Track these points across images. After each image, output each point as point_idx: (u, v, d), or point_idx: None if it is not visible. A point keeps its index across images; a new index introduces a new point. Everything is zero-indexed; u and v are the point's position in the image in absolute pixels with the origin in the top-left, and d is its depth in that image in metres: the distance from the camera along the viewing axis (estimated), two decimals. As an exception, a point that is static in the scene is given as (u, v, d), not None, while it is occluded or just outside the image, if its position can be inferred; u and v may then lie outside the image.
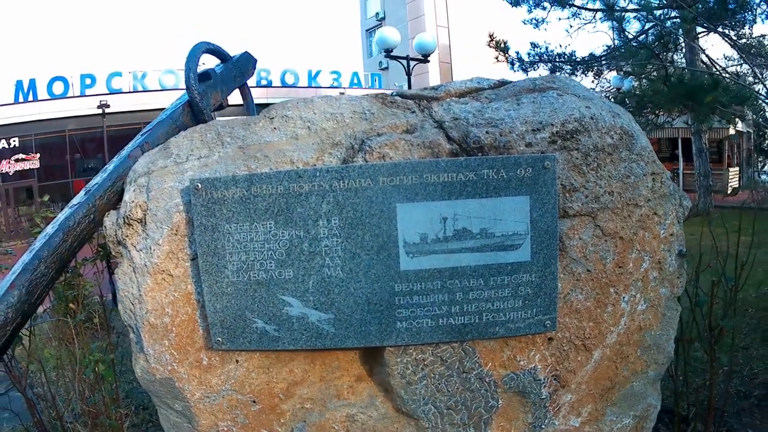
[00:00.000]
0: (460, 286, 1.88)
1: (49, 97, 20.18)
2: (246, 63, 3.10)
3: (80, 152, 21.65)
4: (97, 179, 2.33)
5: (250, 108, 3.13)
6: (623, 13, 10.59)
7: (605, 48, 12.20)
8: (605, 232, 2.02)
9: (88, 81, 21.07)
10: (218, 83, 2.84)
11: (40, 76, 20.26)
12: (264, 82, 24.21)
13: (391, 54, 10.42)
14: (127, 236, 2.08)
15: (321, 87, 26.58)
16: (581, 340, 2.08)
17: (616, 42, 12.12)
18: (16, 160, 18.95)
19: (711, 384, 2.51)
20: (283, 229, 1.82)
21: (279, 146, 1.93)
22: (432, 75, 31.86)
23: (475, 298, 1.88)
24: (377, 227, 1.82)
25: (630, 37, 11.35)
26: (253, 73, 3.14)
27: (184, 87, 2.56)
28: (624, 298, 2.11)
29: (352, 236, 1.82)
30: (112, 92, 21.00)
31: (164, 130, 2.52)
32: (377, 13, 37.22)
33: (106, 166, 2.40)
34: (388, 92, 2.22)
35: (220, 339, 1.94)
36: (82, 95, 20.70)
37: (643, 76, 11.54)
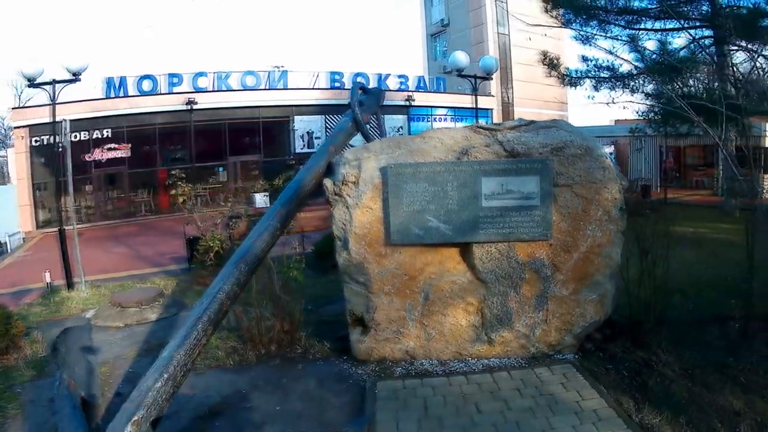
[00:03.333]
0: (508, 215, 5.50)
1: (138, 94, 26.71)
2: (378, 94, 6.95)
3: (166, 144, 28.77)
4: (312, 161, 6.06)
5: (380, 123, 6.94)
6: (643, 48, 15.29)
7: (640, 66, 16.65)
8: (577, 194, 5.63)
9: (175, 80, 27.83)
10: (366, 108, 6.67)
11: (130, 75, 26.98)
12: (337, 85, 30.53)
13: (462, 73, 14.92)
14: (342, 190, 5.72)
15: (389, 90, 31.69)
16: (566, 247, 5.68)
17: (635, 68, 16.67)
18: (108, 149, 24.81)
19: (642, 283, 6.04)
20: (431, 186, 5.47)
21: (427, 150, 5.62)
22: (494, 81, 38.50)
23: (514, 220, 5.50)
24: (472, 187, 5.46)
25: (655, 59, 15.77)
26: (383, 101, 6.94)
27: (349, 106, 6.39)
28: (588, 228, 5.70)
29: (461, 191, 5.46)
30: (198, 90, 27.79)
31: (343, 136, 6.34)
32: (442, 20, 45.70)
33: (316, 153, 6.13)
34: (479, 125, 5.90)
35: (395, 239, 5.56)
36: (170, 92, 27.37)
37: (663, 94, 15.79)
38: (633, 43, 15.92)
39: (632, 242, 6.04)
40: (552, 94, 40.86)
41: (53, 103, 10.45)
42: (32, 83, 10.29)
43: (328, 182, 5.91)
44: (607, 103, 18.32)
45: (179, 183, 9.55)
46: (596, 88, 18.92)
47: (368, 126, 6.97)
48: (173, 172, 9.88)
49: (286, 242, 7.82)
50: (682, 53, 17.16)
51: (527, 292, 5.72)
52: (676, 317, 6.58)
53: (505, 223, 5.53)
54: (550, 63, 19.55)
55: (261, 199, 19.53)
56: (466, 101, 34.78)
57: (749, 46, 14.80)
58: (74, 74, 10.44)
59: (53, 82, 10.46)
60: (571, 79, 19.62)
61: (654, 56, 16.39)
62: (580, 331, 5.79)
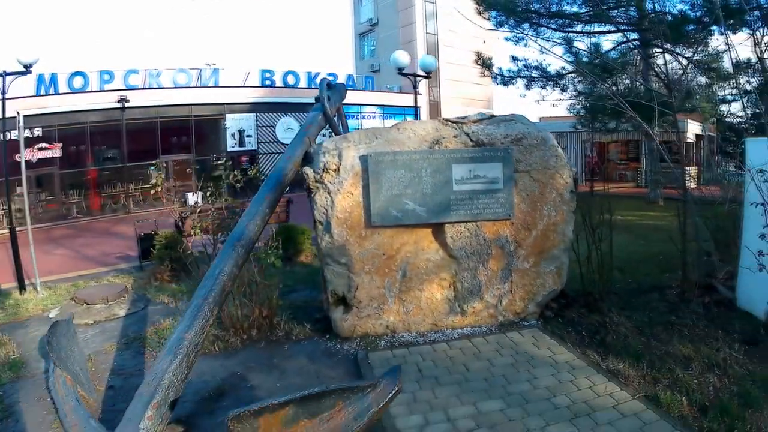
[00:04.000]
0: (476, 197, 6.22)
1: (69, 91, 26.08)
2: (342, 89, 7.58)
3: (98, 143, 28.42)
4: (290, 152, 6.56)
5: (342, 116, 7.53)
6: (577, 49, 16.92)
7: (572, 66, 18.08)
8: (534, 179, 6.42)
9: (106, 77, 27.38)
10: (333, 102, 7.26)
11: (61, 72, 26.30)
12: (268, 83, 31.00)
13: (403, 72, 15.53)
14: (324, 177, 6.28)
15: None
16: (526, 225, 6.46)
17: (569, 67, 18.20)
18: (39, 149, 23.99)
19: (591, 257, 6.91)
20: (408, 173, 6.11)
21: (402, 140, 6.26)
22: (423, 81, 40.59)
23: (482, 202, 6.23)
24: (444, 173, 6.14)
25: (586, 60, 17.26)
26: (346, 96, 7.54)
27: (317, 101, 6.98)
28: (544, 208, 6.50)
29: (435, 176, 6.13)
30: (129, 88, 27.50)
31: (314, 128, 6.91)
32: (370, 19, 47.06)
33: (291, 144, 6.65)
34: (446, 118, 6.60)
35: (376, 221, 6.16)
36: (102, 90, 26.90)
37: (594, 92, 17.33)
38: (567, 45, 17.33)
39: (578, 226, 6.90)
40: (478, 92, 43.01)
41: (3, 97, 10.33)
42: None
43: (309, 170, 6.42)
44: (537, 101, 19.86)
45: (158, 173, 9.77)
46: (528, 87, 20.42)
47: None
48: (154, 162, 10.09)
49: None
50: (612, 54, 18.69)
51: (494, 266, 6.46)
52: (621, 287, 7.57)
53: (474, 205, 6.24)
54: (484, 63, 20.71)
55: (193, 199, 19.66)
56: (393, 100, 36.33)
57: (674, 49, 16.38)
58: (26, 67, 10.31)
59: (4, 74, 10.31)
60: (503, 79, 20.93)
61: (585, 57, 17.80)
62: (541, 300, 6.60)
